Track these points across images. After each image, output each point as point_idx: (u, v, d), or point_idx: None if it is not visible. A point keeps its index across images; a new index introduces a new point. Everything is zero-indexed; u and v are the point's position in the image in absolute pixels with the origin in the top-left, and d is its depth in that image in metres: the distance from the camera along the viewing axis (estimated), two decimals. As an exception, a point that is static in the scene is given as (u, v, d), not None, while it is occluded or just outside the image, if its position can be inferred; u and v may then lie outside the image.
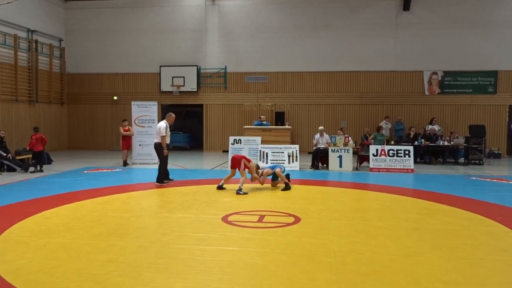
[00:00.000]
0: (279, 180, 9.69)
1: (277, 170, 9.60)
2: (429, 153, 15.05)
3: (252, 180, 9.43)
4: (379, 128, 15.23)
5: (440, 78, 17.96)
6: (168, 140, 10.16)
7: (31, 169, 12.21)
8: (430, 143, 14.97)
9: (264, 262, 4.69)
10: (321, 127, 14.13)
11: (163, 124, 10.03)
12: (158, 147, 10.06)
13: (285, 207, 7.62)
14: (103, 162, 14.64)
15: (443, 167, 14.00)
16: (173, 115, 10.51)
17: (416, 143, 14.74)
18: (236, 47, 18.98)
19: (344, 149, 13.02)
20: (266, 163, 12.80)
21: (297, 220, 6.64)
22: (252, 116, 18.72)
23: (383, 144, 14.00)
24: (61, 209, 7.30)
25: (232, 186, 9.40)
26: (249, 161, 9.45)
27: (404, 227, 6.30)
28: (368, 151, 13.30)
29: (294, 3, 18.58)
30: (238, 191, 8.84)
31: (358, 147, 14.26)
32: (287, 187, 9.44)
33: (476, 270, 4.53)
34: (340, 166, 12.99)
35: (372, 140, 14.44)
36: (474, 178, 11.54)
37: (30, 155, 13.39)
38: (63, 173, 11.88)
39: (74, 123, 20.11)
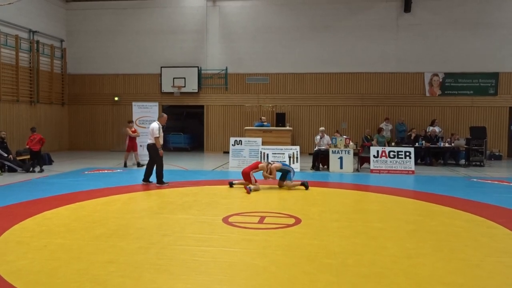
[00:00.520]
0: (287, 181, 9.66)
1: (276, 165, 9.74)
2: (430, 155, 15.04)
3: (265, 178, 9.69)
4: (380, 130, 15.22)
5: (441, 80, 17.96)
6: (161, 141, 10.17)
7: (30, 169, 12.25)
8: (431, 144, 14.96)
9: (264, 263, 4.69)
10: (322, 128, 14.14)
11: (155, 125, 10.05)
12: (151, 148, 10.05)
13: (286, 208, 7.62)
14: (104, 163, 14.65)
15: (443, 169, 13.99)
16: (165, 115, 10.54)
17: (417, 144, 14.73)
18: (237, 48, 19.00)
19: (345, 151, 13.02)
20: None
21: (298, 221, 6.64)
22: (253, 117, 18.72)
23: (384, 146, 13.99)
24: (62, 209, 7.30)
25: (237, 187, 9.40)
26: (257, 165, 9.73)
27: (405, 228, 6.30)
28: (368, 152, 13.30)
29: (295, 4, 18.60)
30: (248, 188, 9.10)
31: (358, 148, 14.26)
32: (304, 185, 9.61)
33: (476, 271, 4.53)
34: (341, 167, 12.99)
35: (373, 142, 14.45)
36: (475, 179, 11.53)
37: (29, 156, 13.45)
38: (64, 174, 11.89)
39: (75, 124, 20.13)
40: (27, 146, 12.89)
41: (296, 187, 9.63)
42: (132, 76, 19.70)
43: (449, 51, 17.78)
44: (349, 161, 13.03)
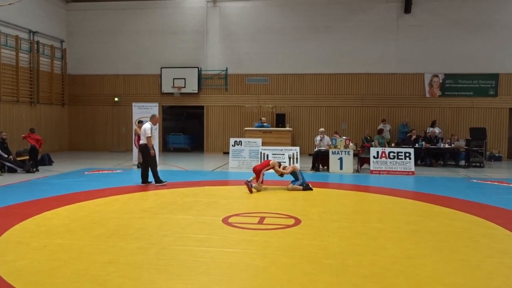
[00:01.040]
0: (291, 185, 9.67)
1: (295, 166, 10.02)
2: (430, 156, 15.03)
3: (278, 173, 9.85)
4: (380, 131, 15.23)
5: (441, 81, 17.97)
6: (153, 141, 10.19)
7: (31, 169, 12.28)
8: (430, 145, 14.96)
9: (264, 264, 4.69)
10: (322, 129, 14.14)
11: (147, 125, 10.13)
12: (144, 148, 10.09)
13: (286, 209, 7.62)
14: (104, 164, 14.65)
15: (443, 170, 13.99)
16: (157, 116, 10.65)
17: (417, 145, 14.74)
18: (237, 48, 19.01)
19: (345, 151, 13.02)
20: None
21: (298, 222, 6.64)
22: (253, 117, 18.72)
23: (384, 147, 13.99)
24: (62, 210, 7.30)
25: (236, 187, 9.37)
26: (268, 163, 9.86)
27: (405, 229, 6.30)
28: (368, 153, 13.30)
29: (295, 5, 18.61)
30: (250, 182, 9.24)
31: (358, 149, 14.26)
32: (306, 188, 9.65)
33: (476, 272, 4.53)
34: (341, 168, 12.99)
35: (373, 143, 14.45)
36: (474, 180, 11.54)
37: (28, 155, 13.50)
38: (64, 174, 11.89)
39: (75, 124, 20.13)
40: (28, 142, 12.95)
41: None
42: (132, 77, 19.71)
43: (449, 52, 17.79)
44: (349, 162, 13.02)
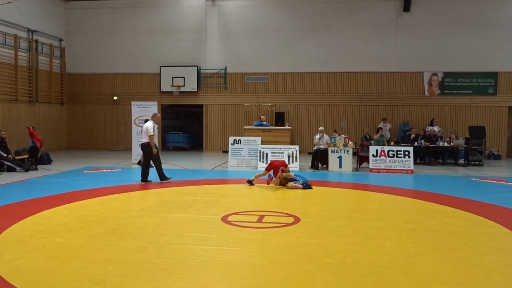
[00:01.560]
0: (291, 183, 9.69)
1: (290, 174, 9.88)
2: (429, 154, 15.04)
3: (281, 178, 9.80)
4: (379, 130, 15.23)
5: (440, 79, 17.97)
6: (156, 140, 10.24)
7: (31, 168, 12.29)
8: (430, 144, 14.97)
9: (263, 262, 4.69)
10: (321, 128, 14.15)
11: (150, 124, 10.21)
12: (146, 147, 10.14)
13: (285, 207, 7.63)
14: (103, 162, 14.64)
15: (443, 168, 13.99)
16: (158, 115, 10.76)
17: (416, 144, 14.74)
18: (236, 47, 18.99)
19: (344, 150, 13.03)
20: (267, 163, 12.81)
21: (297, 220, 6.64)
22: (252, 116, 18.72)
23: (383, 145, 13.99)
24: (61, 209, 7.30)
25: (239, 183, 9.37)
26: (286, 165, 9.99)
27: (404, 227, 6.30)
28: (368, 151, 13.30)
29: (294, 4, 18.59)
30: (250, 181, 9.38)
31: (358, 147, 14.26)
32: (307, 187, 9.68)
33: (475, 270, 4.53)
34: (340, 166, 12.99)
35: (372, 141, 14.46)
36: (473, 179, 11.54)
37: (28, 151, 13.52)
38: (63, 173, 11.88)
39: (74, 123, 20.11)
40: (34, 141, 12.99)
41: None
42: (131, 76, 19.69)
43: (448, 51, 17.78)
44: (348, 161, 13.03)
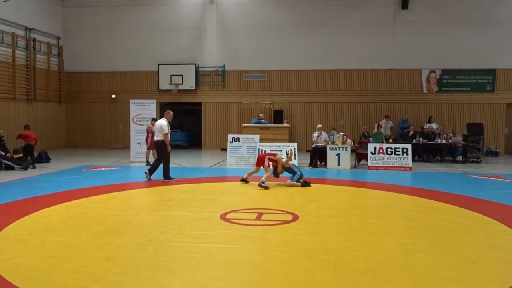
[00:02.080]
0: (288, 181, 9.67)
1: (288, 162, 9.82)
2: (427, 151, 15.07)
3: (278, 170, 9.76)
4: (378, 126, 15.23)
5: (438, 77, 17.98)
6: (169, 137, 10.30)
7: (30, 166, 12.28)
8: (428, 141, 14.99)
9: (262, 260, 4.71)
10: (319, 126, 14.16)
11: (164, 122, 10.25)
12: (160, 145, 10.20)
13: (283, 205, 7.64)
14: (101, 161, 14.62)
15: (441, 165, 14.02)
16: (171, 112, 10.69)
17: (414, 141, 14.77)
18: (234, 45, 18.96)
19: (343, 147, 13.04)
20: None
21: (295, 217, 6.65)
22: (250, 114, 18.71)
23: (382, 142, 14.01)
24: (59, 207, 7.30)
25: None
26: (275, 155, 9.99)
27: (402, 224, 6.32)
28: (366, 149, 13.32)
29: (292, 1, 18.55)
30: (261, 184, 9.20)
31: (356, 145, 14.28)
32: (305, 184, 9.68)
33: (473, 267, 4.55)
34: (338, 164, 13.01)
35: (371, 138, 14.47)
36: (472, 176, 11.57)
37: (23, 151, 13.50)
38: (61, 172, 11.87)
39: (72, 122, 20.08)
40: (20, 137, 12.95)
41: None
42: (129, 74, 19.65)
43: (446, 48, 17.79)
44: (347, 158, 13.05)
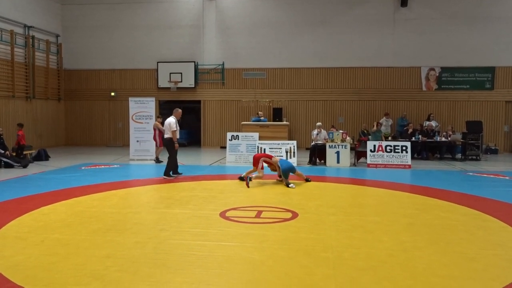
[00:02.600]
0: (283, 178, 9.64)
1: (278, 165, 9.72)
2: (426, 149, 15.08)
3: (278, 173, 9.76)
4: (376, 125, 15.23)
5: (437, 74, 17.99)
6: (177, 135, 10.40)
7: (28, 164, 12.31)
8: (427, 139, 15.00)
9: (261, 257, 4.71)
10: (319, 123, 14.16)
11: (172, 119, 10.34)
12: (169, 142, 10.33)
13: (283, 202, 7.64)
14: (100, 159, 14.62)
15: (440, 163, 14.04)
16: (179, 110, 10.85)
17: (413, 139, 14.77)
18: (233, 43, 18.94)
19: (342, 145, 13.05)
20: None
21: (295, 215, 6.66)
22: (249, 112, 18.70)
23: (381, 140, 14.02)
24: (59, 205, 7.30)
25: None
26: (270, 157, 9.96)
27: (401, 222, 6.33)
28: (365, 147, 13.33)
29: (292, -1, 18.55)
30: (247, 178, 9.29)
31: (355, 143, 14.29)
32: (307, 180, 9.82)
33: (472, 264, 4.56)
34: (338, 162, 13.02)
35: (370, 135, 14.48)
36: (471, 173, 11.58)
37: (31, 151, 13.53)
38: (61, 170, 11.87)
39: (71, 119, 20.07)
40: (16, 145, 13.03)
41: (297, 180, 9.67)
42: (129, 71, 19.63)
43: (445, 46, 17.78)
44: (346, 156, 13.05)
